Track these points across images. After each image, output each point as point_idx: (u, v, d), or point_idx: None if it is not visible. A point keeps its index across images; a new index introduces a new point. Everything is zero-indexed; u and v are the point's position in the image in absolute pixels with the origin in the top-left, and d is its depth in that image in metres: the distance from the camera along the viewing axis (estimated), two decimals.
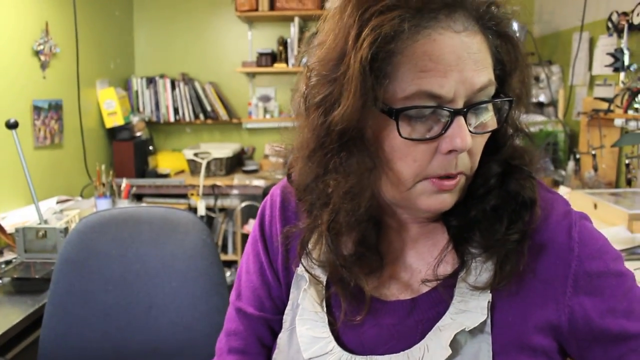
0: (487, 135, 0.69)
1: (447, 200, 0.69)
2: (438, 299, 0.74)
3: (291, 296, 0.82)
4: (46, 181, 2.66)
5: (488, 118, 0.68)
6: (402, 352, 0.73)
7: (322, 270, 0.79)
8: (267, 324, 0.86)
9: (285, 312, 0.81)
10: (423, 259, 0.77)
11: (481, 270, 0.72)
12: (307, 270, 0.79)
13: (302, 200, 0.79)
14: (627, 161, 2.22)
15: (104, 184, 2.50)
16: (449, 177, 0.67)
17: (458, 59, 0.63)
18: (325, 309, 0.78)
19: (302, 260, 0.80)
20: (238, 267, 0.96)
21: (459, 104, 0.64)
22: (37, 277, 1.70)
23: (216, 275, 1.36)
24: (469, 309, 0.71)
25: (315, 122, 0.69)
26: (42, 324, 1.42)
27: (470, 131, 0.64)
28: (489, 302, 0.71)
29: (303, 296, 0.78)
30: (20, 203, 2.39)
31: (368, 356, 0.74)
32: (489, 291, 0.71)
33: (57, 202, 2.35)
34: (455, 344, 0.70)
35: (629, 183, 2.23)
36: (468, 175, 0.69)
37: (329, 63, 0.67)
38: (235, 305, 0.89)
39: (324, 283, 0.79)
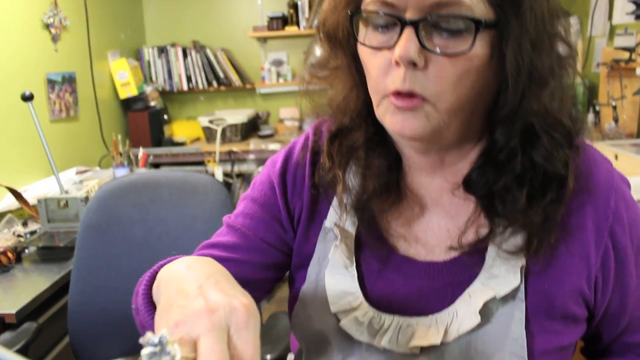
0: (464, 63, 0.61)
1: (409, 123, 0.64)
2: (469, 263, 0.72)
3: (317, 248, 0.79)
4: (64, 153, 2.69)
5: (463, 45, 0.61)
6: (430, 316, 0.71)
7: (352, 223, 0.77)
8: (265, 249, 0.81)
9: (311, 264, 0.79)
10: (452, 220, 0.75)
11: (513, 236, 0.69)
12: (336, 225, 0.77)
13: (332, 141, 0.77)
14: None
15: (121, 154, 2.52)
16: (400, 94, 0.63)
17: None
18: (354, 264, 0.76)
19: (333, 209, 0.78)
20: None
21: (413, 16, 0.60)
22: (61, 245, 1.72)
23: None
24: (501, 274, 0.69)
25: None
26: (69, 289, 1.46)
27: (425, 47, 0.60)
28: (522, 267, 0.69)
29: (334, 251, 0.76)
30: (40, 175, 2.42)
31: (395, 315, 0.73)
32: (523, 256, 0.69)
33: (76, 173, 2.37)
34: (486, 311, 0.68)
35: None
36: (432, 102, 0.63)
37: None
38: (226, 222, 0.84)
39: (354, 237, 0.77)
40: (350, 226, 0.77)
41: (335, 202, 0.78)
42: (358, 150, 0.76)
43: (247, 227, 0.81)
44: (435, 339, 0.69)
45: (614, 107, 2.37)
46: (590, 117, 2.59)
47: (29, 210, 1.99)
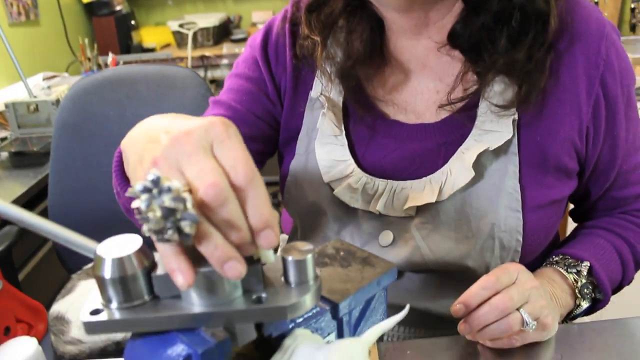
0: None
1: None
2: (461, 122, 0.72)
3: (305, 121, 0.79)
4: (27, 59, 2.55)
5: None
6: (424, 178, 0.72)
7: (338, 92, 0.77)
8: (253, 120, 0.80)
9: (299, 137, 0.79)
10: (441, 81, 0.74)
11: (503, 89, 0.69)
12: (322, 94, 0.77)
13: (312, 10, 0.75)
14: (632, 5, 2.14)
15: (89, 59, 2.40)
16: None
17: None
18: (344, 133, 0.76)
19: (318, 79, 0.77)
20: None
21: None
22: (35, 149, 1.67)
23: None
24: (494, 129, 0.69)
25: None
26: (48, 193, 1.42)
27: None
28: (514, 120, 0.69)
29: (322, 120, 0.76)
30: (4, 83, 2.31)
31: (389, 180, 0.73)
32: (515, 109, 0.69)
33: (44, 79, 2.26)
34: (479, 167, 0.69)
35: (633, 29, 2.17)
36: None
37: None
38: (217, 99, 0.83)
39: (341, 106, 0.77)
40: (337, 95, 0.77)
41: (319, 72, 0.77)
42: (338, 17, 0.75)
43: (233, 100, 0.81)
44: (430, 197, 0.69)
45: (596, 3, 2.33)
46: None
47: None
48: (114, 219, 1.39)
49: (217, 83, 3.09)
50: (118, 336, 1.10)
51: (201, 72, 3.09)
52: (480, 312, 0.61)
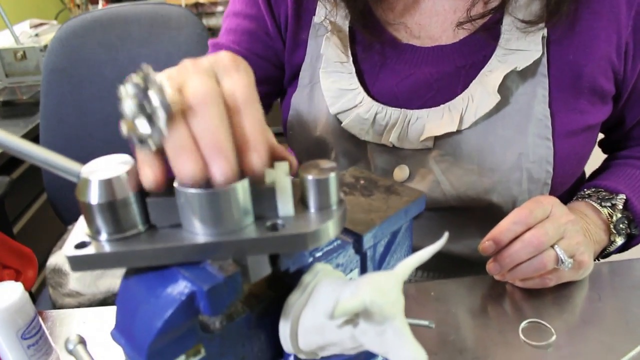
0: None
1: None
2: (483, 41, 0.64)
3: (308, 50, 0.72)
4: (14, 7, 2.44)
5: None
6: (442, 105, 0.65)
7: (343, 16, 0.69)
8: (255, 61, 0.74)
9: (303, 67, 0.72)
10: None
11: (529, 0, 0.61)
12: (326, 18, 0.69)
13: None
14: None
15: (78, 6, 2.30)
16: None
17: None
18: (351, 59, 0.69)
19: (321, 3, 0.70)
20: None
21: None
22: (24, 98, 1.60)
23: None
24: (520, 48, 0.62)
25: None
26: (39, 141, 1.35)
27: None
28: (543, 36, 0.61)
29: (326, 44, 0.69)
30: None
31: (403, 109, 0.66)
32: (543, 24, 0.61)
33: (31, 27, 2.16)
34: (504, 91, 0.62)
35: None
36: None
37: None
38: (216, 42, 0.78)
39: (347, 32, 0.69)
40: (342, 20, 0.70)
41: None
42: None
43: (232, 42, 0.75)
44: (449, 126, 0.63)
45: None
46: None
47: None
48: None
49: (213, 31, 2.98)
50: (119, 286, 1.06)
51: None
52: (512, 249, 0.55)
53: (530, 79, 0.62)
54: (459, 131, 0.63)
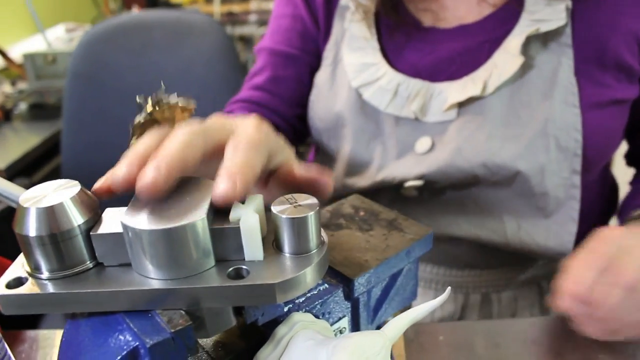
0: None
1: None
2: (506, 15, 0.63)
3: (334, 31, 0.72)
4: (49, 11, 2.47)
5: None
6: (464, 77, 0.63)
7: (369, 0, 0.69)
8: (303, 61, 0.76)
9: (327, 48, 0.72)
10: None
11: None
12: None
13: None
14: None
15: (113, 11, 2.31)
16: None
17: None
18: (376, 36, 0.69)
19: None
20: None
21: None
22: (51, 101, 1.60)
23: (237, 79, 1.21)
24: (544, 18, 0.60)
25: None
26: (61, 145, 1.34)
27: None
28: (567, 7, 0.59)
29: (350, 21, 0.69)
30: (24, 34, 2.24)
31: (425, 81, 0.64)
32: None
33: (66, 32, 2.18)
34: (529, 59, 0.60)
35: None
36: None
37: None
38: (261, 46, 0.79)
39: (372, 11, 0.70)
40: (368, 1, 0.70)
41: None
42: None
43: (275, 42, 0.77)
44: (473, 91, 0.61)
45: None
46: None
47: (16, 69, 1.84)
48: None
49: (245, 40, 2.98)
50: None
51: (228, 29, 2.98)
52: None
53: (555, 47, 0.61)
54: (482, 97, 0.61)
